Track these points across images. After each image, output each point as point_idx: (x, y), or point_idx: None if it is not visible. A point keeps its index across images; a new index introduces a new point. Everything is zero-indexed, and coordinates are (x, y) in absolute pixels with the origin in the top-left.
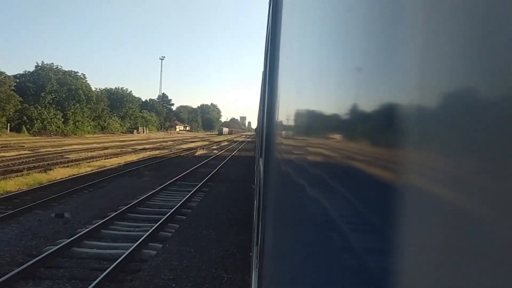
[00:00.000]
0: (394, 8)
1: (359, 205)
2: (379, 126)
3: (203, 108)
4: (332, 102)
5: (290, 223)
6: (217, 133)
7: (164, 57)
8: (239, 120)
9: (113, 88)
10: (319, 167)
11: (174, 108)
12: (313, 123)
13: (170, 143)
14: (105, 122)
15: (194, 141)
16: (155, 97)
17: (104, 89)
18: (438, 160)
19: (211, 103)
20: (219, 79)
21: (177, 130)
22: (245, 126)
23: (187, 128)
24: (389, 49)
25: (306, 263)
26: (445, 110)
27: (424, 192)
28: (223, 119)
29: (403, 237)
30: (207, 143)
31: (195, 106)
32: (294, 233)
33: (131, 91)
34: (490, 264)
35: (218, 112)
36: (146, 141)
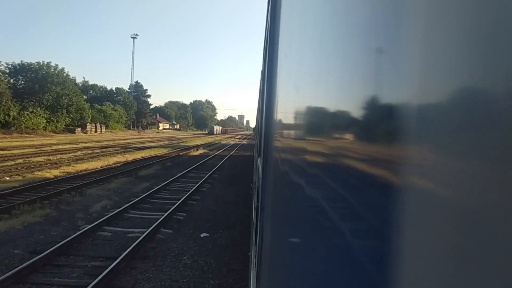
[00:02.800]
0: (393, 6)
1: (358, 205)
2: (378, 125)
3: (196, 105)
4: (331, 101)
5: (288, 223)
6: (207, 132)
7: (137, 35)
8: (237, 118)
9: (33, 63)
10: (318, 167)
11: (162, 103)
12: (312, 122)
13: (55, 158)
14: (7, 115)
15: (142, 149)
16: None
17: (12, 64)
18: (438, 159)
19: (206, 100)
20: (217, 78)
21: (161, 128)
22: (243, 125)
23: (177, 127)
24: (389, 48)
25: (304, 263)
26: (445, 109)
27: (424, 192)
28: (219, 117)
29: (401, 237)
30: (164, 152)
31: (187, 103)
32: (293, 233)
33: (63, 69)
34: (491, 264)
35: (213, 109)
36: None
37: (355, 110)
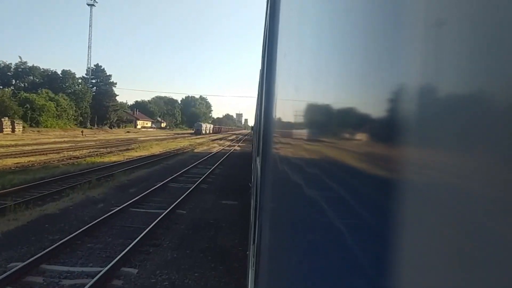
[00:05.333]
0: (393, 4)
1: (356, 205)
2: (378, 125)
3: (188, 101)
4: (330, 101)
5: (287, 222)
6: (194, 131)
7: (96, 1)
8: (235, 117)
9: None
10: (317, 166)
11: (149, 98)
12: (311, 122)
13: None
14: None
15: None
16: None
17: None
18: (438, 159)
19: (200, 96)
20: (216, 76)
21: (139, 126)
22: (241, 123)
23: (163, 124)
24: (389, 47)
25: (303, 263)
26: (445, 109)
27: (424, 193)
28: (216, 115)
29: (400, 237)
30: None
31: (179, 99)
32: (291, 232)
33: None
34: (491, 264)
35: (208, 105)
36: None
37: (354, 109)
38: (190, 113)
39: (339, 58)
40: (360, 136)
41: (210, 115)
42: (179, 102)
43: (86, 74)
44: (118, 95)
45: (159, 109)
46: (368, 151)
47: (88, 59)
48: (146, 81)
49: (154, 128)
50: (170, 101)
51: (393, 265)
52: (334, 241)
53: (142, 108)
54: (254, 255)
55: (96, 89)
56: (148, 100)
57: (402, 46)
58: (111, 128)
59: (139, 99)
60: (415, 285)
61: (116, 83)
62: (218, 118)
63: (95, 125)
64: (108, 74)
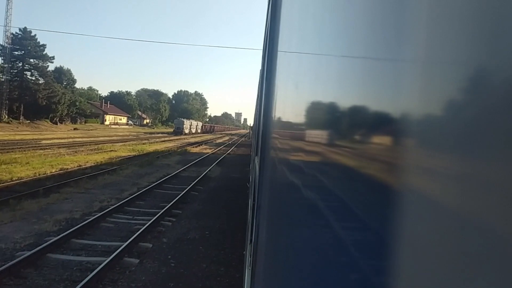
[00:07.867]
0: (393, 3)
1: (353, 204)
2: (377, 124)
3: (180, 96)
4: (329, 100)
5: (284, 222)
6: (173, 130)
7: None
8: (233, 116)
9: None
10: (315, 167)
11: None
12: (310, 122)
13: None
14: None
15: None
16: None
17: None
18: (436, 159)
19: (195, 91)
20: (216, 76)
21: (107, 123)
22: (240, 122)
23: (146, 121)
24: (389, 46)
25: (300, 262)
26: (445, 108)
27: (421, 193)
28: (214, 113)
29: (398, 237)
30: None
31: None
32: (289, 232)
33: None
34: (491, 265)
35: (203, 102)
36: None
37: (354, 109)
38: (181, 109)
39: (339, 58)
40: (359, 136)
41: (206, 112)
42: (170, 97)
43: (6, 42)
44: (127, 92)
45: (142, 103)
46: (366, 151)
47: (6, 18)
48: (138, 75)
49: (131, 124)
50: (155, 94)
51: (390, 265)
52: (330, 241)
53: (118, 101)
54: (251, 254)
55: (22, 65)
56: (127, 91)
57: (402, 45)
58: (58, 124)
59: (122, 90)
60: (414, 285)
61: (53, 58)
62: (215, 116)
63: (21, 117)
64: (41, 43)
